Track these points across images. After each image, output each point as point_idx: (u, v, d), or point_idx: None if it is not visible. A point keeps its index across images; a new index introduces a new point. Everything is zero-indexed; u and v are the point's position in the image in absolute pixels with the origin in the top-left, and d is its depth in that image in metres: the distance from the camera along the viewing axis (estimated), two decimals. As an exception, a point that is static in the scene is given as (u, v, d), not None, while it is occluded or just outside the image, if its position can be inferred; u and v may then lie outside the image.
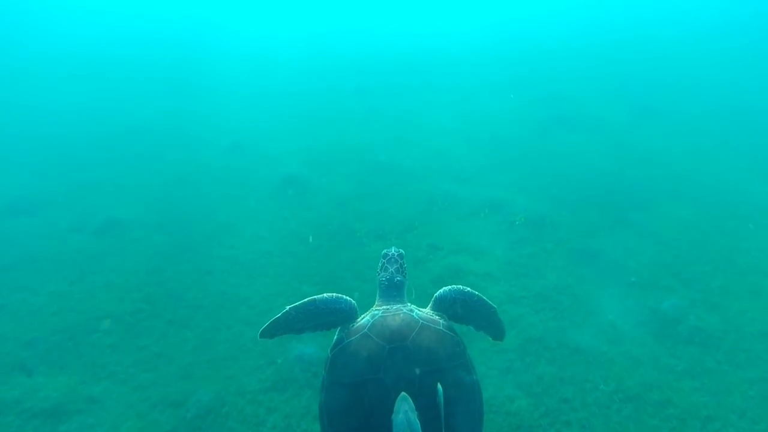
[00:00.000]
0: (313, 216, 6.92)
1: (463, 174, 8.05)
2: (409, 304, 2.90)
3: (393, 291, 3.01)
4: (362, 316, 2.84)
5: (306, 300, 2.85)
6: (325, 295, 2.87)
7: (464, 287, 2.94)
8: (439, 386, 2.36)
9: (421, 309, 2.88)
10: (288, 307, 2.83)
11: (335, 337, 2.78)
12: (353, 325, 2.75)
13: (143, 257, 6.04)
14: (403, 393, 2.31)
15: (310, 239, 6.33)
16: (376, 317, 2.71)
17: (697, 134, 9.71)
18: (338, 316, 2.83)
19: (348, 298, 2.88)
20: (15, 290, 5.38)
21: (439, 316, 2.82)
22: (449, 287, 2.94)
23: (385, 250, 3.20)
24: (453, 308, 2.90)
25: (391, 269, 3.07)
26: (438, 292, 2.93)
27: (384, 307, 2.86)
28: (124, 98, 12.69)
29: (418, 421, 2.21)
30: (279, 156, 9.09)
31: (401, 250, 3.20)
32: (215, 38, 19.77)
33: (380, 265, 3.13)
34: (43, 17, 23.00)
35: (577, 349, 4.46)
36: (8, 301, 5.23)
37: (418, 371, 2.46)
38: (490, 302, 2.96)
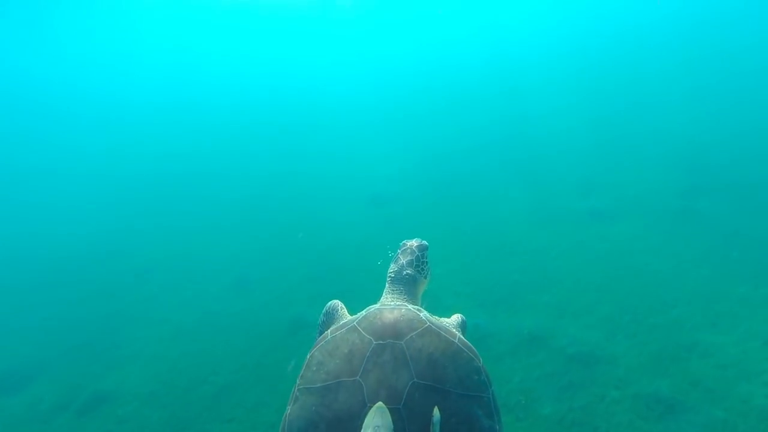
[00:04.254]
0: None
1: (494, 296, 7.36)
2: (421, 308, 2.43)
3: (400, 286, 2.61)
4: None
5: (319, 337, 2.50)
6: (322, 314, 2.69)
7: None
8: (437, 411, 1.84)
9: (438, 318, 2.41)
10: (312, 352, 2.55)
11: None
12: (342, 319, 2.42)
13: (129, 445, 5.46)
14: (379, 404, 1.84)
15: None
16: (371, 309, 2.32)
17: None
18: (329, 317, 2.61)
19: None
20: None
21: (462, 333, 2.34)
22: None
23: (404, 240, 2.82)
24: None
25: (403, 261, 2.66)
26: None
27: (386, 302, 2.50)
28: (126, 235, 12.85)
29: None
30: (288, 290, 8.65)
31: (425, 242, 2.76)
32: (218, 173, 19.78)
33: (394, 257, 2.75)
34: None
35: None
36: None
37: (408, 381, 1.95)
38: None
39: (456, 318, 2.55)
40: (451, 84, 28.73)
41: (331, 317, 2.60)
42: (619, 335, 6.02)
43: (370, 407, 1.86)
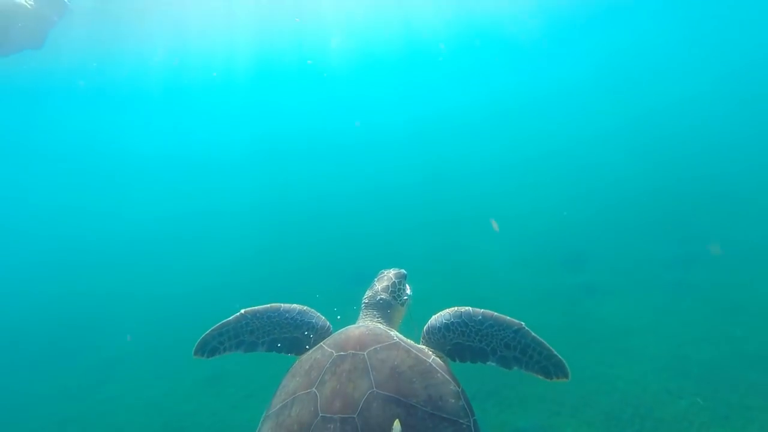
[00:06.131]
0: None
1: (484, 389, 6.77)
2: (394, 330, 2.30)
3: (373, 311, 2.51)
4: None
5: (268, 305, 2.46)
6: (293, 305, 2.47)
7: (462, 308, 2.26)
8: (397, 423, 1.73)
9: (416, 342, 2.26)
10: (243, 311, 2.42)
11: None
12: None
13: None
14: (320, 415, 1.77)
15: None
16: (341, 329, 2.27)
17: None
18: (304, 331, 2.38)
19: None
20: None
21: (436, 354, 2.17)
22: (443, 312, 2.28)
23: (382, 270, 2.76)
24: (450, 340, 2.22)
25: (378, 287, 2.60)
26: (427, 324, 2.30)
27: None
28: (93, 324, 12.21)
29: None
30: (266, 386, 8.03)
31: (403, 270, 2.71)
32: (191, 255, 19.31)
33: (370, 285, 2.70)
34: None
35: None
36: None
37: (366, 390, 1.82)
38: (509, 318, 2.23)
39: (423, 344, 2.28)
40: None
41: (313, 331, 2.41)
42: (623, 437, 5.47)
43: (322, 417, 1.77)
